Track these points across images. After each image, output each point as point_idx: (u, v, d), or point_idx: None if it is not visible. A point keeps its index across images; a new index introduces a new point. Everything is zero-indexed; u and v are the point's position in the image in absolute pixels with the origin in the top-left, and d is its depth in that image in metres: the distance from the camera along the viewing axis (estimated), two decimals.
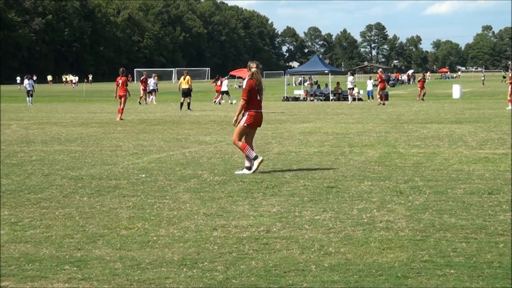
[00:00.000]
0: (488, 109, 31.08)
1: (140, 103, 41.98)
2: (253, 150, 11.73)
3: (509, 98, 31.79)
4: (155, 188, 10.14)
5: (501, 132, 18.94)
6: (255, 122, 11.88)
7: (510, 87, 31.90)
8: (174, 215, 8.15)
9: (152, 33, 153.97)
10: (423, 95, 45.18)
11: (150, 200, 9.13)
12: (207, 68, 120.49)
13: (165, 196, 9.46)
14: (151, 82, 44.43)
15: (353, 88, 47.27)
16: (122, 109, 26.49)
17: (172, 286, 5.45)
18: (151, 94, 44.01)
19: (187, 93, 33.90)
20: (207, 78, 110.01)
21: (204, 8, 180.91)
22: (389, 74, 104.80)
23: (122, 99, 26.57)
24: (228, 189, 10.00)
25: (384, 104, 39.03)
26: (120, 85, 26.67)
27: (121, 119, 25.96)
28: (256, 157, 11.55)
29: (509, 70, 40.55)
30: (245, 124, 11.81)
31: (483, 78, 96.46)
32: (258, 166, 11.53)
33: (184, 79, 34.26)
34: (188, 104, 34.05)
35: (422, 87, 45.85)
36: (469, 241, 6.68)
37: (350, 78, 47.57)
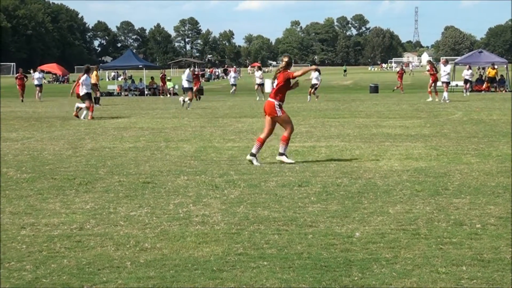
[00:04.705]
0: (296, 103, 32.35)
1: None
2: None
3: (429, 89, 33.19)
4: None
5: (309, 125, 19.76)
6: None
7: (431, 79, 33.02)
8: None
9: None
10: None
11: None
12: (12, 63, 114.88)
13: None
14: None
15: None
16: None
17: None
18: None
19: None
20: (12, 73, 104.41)
21: (7, 2, 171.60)
22: (204, 68, 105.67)
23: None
24: (37, 186, 9.60)
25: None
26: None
27: None
28: None
29: (427, 63, 40.58)
30: None
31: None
32: None
33: None
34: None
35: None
36: (281, 233, 6.87)
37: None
